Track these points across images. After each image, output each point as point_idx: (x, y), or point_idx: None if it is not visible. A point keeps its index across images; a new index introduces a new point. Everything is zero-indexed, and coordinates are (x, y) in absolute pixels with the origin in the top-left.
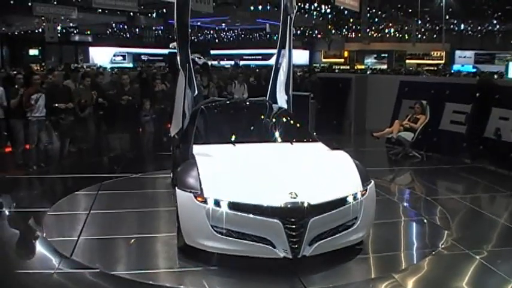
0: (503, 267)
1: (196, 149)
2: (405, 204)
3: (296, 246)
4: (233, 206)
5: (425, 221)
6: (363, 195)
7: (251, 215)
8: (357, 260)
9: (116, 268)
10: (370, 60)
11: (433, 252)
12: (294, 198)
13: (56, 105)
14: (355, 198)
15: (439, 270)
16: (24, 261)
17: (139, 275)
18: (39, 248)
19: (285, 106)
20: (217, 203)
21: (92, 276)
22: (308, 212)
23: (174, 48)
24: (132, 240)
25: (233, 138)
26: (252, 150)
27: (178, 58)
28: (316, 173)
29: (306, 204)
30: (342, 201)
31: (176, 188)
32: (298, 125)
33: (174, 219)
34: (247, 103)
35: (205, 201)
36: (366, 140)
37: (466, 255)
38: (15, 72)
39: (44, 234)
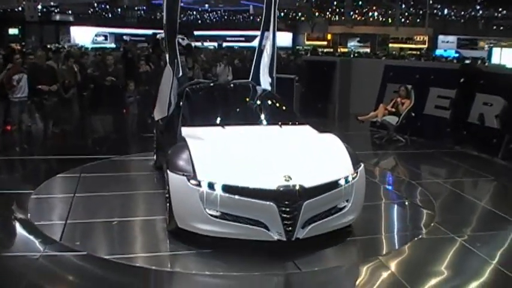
0: (484, 249)
1: (185, 131)
2: (389, 187)
3: (290, 228)
4: (227, 188)
5: (408, 204)
6: (354, 178)
7: (245, 198)
8: (347, 243)
9: (104, 251)
10: (353, 44)
11: (418, 235)
12: (288, 181)
13: (40, 87)
14: (346, 181)
15: (423, 253)
16: (9, 244)
17: (129, 258)
18: (24, 231)
19: (269, 88)
20: (211, 185)
21: (78, 259)
22: (302, 195)
23: (161, 38)
24: (115, 222)
25: (221, 120)
26: (241, 133)
27: (166, 55)
28: (308, 155)
29: (300, 187)
30: (335, 184)
31: (168, 170)
32: (285, 107)
33: (161, 202)
34: (232, 85)
35: (198, 184)
36: (350, 123)
37: (449, 238)
38: None
39: (29, 217)
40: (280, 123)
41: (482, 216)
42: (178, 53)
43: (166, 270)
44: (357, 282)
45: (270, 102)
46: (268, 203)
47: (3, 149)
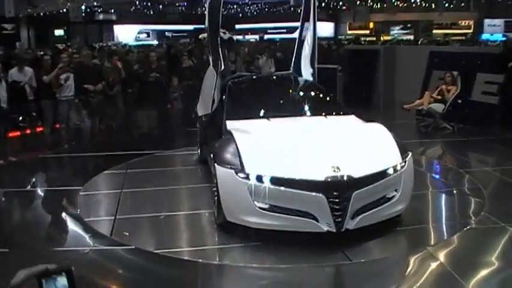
0: None
1: (231, 125)
2: (437, 176)
3: (339, 219)
4: (276, 181)
5: (457, 193)
6: (402, 167)
7: (294, 190)
8: (396, 233)
9: (153, 246)
10: (396, 32)
11: (468, 225)
12: (337, 171)
13: (86, 86)
14: (395, 170)
15: (473, 243)
16: (60, 239)
17: (177, 252)
18: (74, 226)
19: (311, 79)
20: (259, 178)
21: (128, 253)
22: (351, 186)
23: (205, 39)
24: (162, 216)
25: (266, 112)
26: (287, 124)
27: (210, 58)
28: (355, 145)
29: (348, 178)
30: (383, 173)
31: (215, 164)
32: (328, 98)
33: (207, 195)
34: (275, 77)
35: (247, 177)
36: (396, 112)
37: (499, 228)
38: (42, 53)
39: (79, 213)
40: (325, 113)
41: None
42: (220, 51)
43: (214, 263)
44: (406, 273)
45: (313, 93)
46: (317, 194)
47: (53, 147)
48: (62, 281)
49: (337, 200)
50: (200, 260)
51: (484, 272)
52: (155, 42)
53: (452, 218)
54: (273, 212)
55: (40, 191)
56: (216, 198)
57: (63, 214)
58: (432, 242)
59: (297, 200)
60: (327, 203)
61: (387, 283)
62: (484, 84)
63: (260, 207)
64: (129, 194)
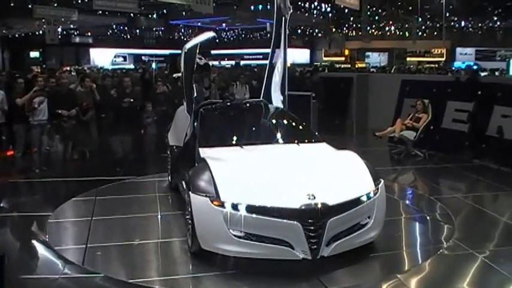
0: (506, 266)
1: (204, 152)
2: (408, 203)
3: (315, 247)
4: (251, 208)
5: (428, 219)
6: (375, 194)
7: (270, 218)
8: (369, 259)
9: (125, 274)
10: (371, 60)
11: (438, 252)
12: (312, 199)
13: (59, 111)
14: (368, 197)
15: (443, 270)
16: (28, 266)
17: (150, 281)
18: (44, 253)
19: (281, 106)
20: (234, 206)
21: (99, 281)
22: (326, 213)
23: (179, 78)
24: (134, 244)
25: (239, 140)
26: (260, 152)
27: (185, 104)
28: (329, 173)
29: (323, 205)
30: (357, 201)
31: (190, 192)
32: (301, 125)
33: (179, 223)
34: (247, 104)
35: (222, 205)
36: (368, 139)
37: (469, 255)
38: (17, 75)
39: (47, 240)
40: (297, 141)
41: (503, 232)
42: (194, 88)
43: None
44: None
45: (285, 120)
46: (292, 222)
47: (23, 171)
48: None
49: (312, 228)
50: None
51: None
52: (131, 66)
53: (423, 245)
54: (249, 240)
55: (9, 216)
56: (190, 226)
57: (32, 241)
58: (404, 268)
59: (273, 227)
60: (302, 230)
61: None
62: (454, 112)
63: (235, 235)
64: (99, 221)
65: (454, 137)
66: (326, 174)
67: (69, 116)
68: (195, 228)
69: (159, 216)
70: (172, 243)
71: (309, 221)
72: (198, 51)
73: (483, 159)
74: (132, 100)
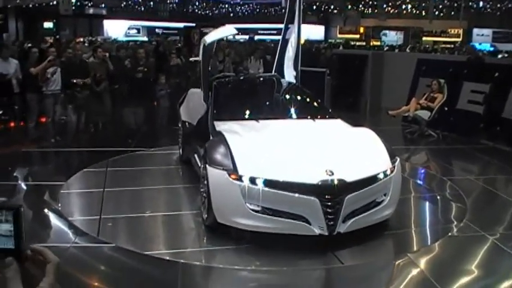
0: None
1: (220, 126)
2: (421, 183)
3: (332, 223)
4: (269, 183)
5: (439, 199)
6: (391, 172)
7: (288, 193)
8: (383, 237)
9: (136, 245)
10: (388, 39)
11: (449, 233)
12: (330, 175)
13: (74, 81)
14: (385, 175)
15: (454, 251)
16: (39, 234)
17: (161, 253)
18: (55, 222)
19: (294, 81)
20: (252, 180)
21: (109, 250)
22: (344, 189)
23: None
24: (147, 214)
25: (254, 114)
26: (276, 127)
27: (202, 92)
28: (346, 150)
29: (342, 182)
30: (374, 178)
31: (207, 165)
32: (315, 101)
33: (191, 196)
34: (261, 78)
35: (239, 179)
36: (382, 118)
37: (480, 236)
38: (30, 45)
39: (60, 209)
40: (312, 117)
41: None
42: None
43: (200, 264)
44: (389, 279)
45: (299, 95)
46: (311, 197)
47: (36, 141)
48: (5, 226)
49: (330, 204)
50: (182, 261)
51: (463, 281)
52: (145, 38)
53: (434, 225)
54: (265, 215)
55: (23, 185)
56: (205, 199)
57: (43, 209)
58: (415, 248)
59: (290, 202)
60: (320, 206)
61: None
62: (470, 93)
63: (252, 210)
64: (112, 192)
65: (469, 119)
66: (343, 150)
67: (84, 84)
68: (211, 201)
69: (171, 189)
70: (184, 216)
71: (327, 197)
72: (215, 45)
73: (497, 141)
74: (145, 69)
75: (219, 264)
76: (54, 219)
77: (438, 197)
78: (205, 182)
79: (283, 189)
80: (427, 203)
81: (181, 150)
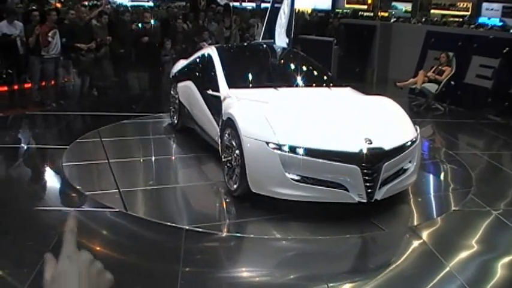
0: None
1: (235, 93)
2: (426, 156)
3: (370, 190)
4: (310, 152)
5: (445, 174)
6: (416, 139)
7: (329, 161)
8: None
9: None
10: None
11: (453, 207)
12: (369, 143)
13: (78, 45)
14: (412, 142)
15: (458, 225)
16: (42, 198)
17: (202, 227)
18: (58, 186)
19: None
20: (293, 149)
21: (112, 215)
22: (382, 157)
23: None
24: (150, 183)
25: (270, 82)
26: (298, 95)
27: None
28: (376, 118)
29: (381, 150)
30: (405, 146)
31: (241, 135)
32: (322, 69)
33: (195, 166)
34: (264, 46)
35: (279, 148)
36: (388, 89)
37: (485, 211)
38: (33, 7)
39: (63, 173)
40: (327, 85)
41: None
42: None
43: (240, 235)
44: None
45: (308, 64)
46: (352, 166)
47: (36, 104)
48: None
49: (370, 171)
50: (213, 232)
51: (465, 254)
52: (151, 3)
53: (440, 198)
54: (305, 183)
55: (26, 148)
56: (230, 169)
57: (47, 174)
58: (418, 222)
59: (331, 171)
60: (361, 174)
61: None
62: (479, 67)
63: (292, 179)
64: (117, 163)
65: (477, 93)
66: (374, 118)
67: (88, 49)
68: (245, 171)
69: (180, 159)
70: (202, 187)
71: (367, 164)
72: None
73: (504, 117)
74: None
75: (256, 235)
76: (56, 184)
77: (443, 172)
78: (237, 151)
79: (324, 158)
80: (432, 177)
81: (175, 119)
